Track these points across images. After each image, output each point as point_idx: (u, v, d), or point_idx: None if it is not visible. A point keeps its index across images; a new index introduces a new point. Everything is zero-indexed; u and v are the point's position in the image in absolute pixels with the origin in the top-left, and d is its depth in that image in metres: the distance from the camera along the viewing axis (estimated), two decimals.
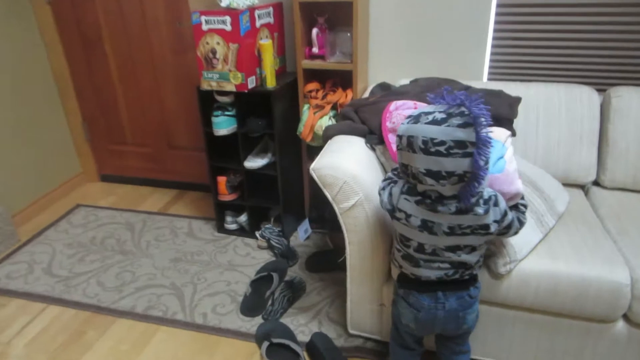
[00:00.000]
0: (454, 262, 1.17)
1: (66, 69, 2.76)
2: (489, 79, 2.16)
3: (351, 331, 1.73)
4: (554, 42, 2.02)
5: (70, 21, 2.63)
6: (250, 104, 2.13)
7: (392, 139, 1.48)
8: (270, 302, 1.91)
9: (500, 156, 1.23)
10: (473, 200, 1.07)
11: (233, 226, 2.42)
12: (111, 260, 2.24)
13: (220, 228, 2.43)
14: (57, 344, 1.76)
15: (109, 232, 2.48)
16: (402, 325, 1.32)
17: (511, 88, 1.89)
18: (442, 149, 0.99)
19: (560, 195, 1.61)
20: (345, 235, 1.50)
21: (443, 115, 1.00)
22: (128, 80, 2.70)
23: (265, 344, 1.67)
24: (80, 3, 2.56)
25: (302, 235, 2.36)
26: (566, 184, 1.83)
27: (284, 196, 2.23)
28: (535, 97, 1.86)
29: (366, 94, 2.04)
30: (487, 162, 1.00)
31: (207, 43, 1.86)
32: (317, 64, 2.06)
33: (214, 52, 1.86)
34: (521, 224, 1.21)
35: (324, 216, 2.41)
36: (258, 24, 1.96)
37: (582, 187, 1.91)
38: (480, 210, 1.09)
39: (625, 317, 1.38)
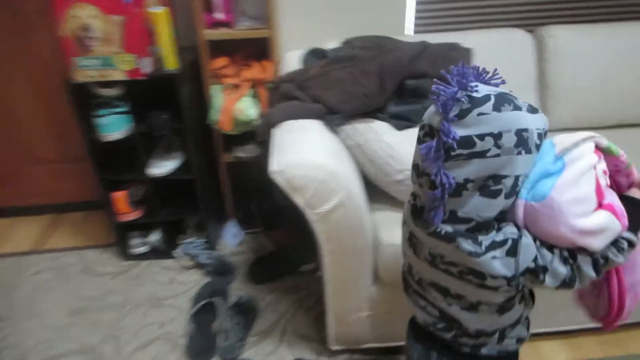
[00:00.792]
0: (444, 311, 0.84)
1: None
2: (415, 32, 1.96)
3: (334, 347, 1.45)
4: None
5: None
6: (145, 94, 1.64)
7: None
8: (223, 336, 1.54)
9: (546, 172, 0.74)
10: (443, 221, 0.74)
11: (142, 249, 1.94)
12: None
13: (126, 254, 1.93)
14: None
15: None
16: None
17: (447, 39, 1.70)
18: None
19: None
20: (323, 244, 1.19)
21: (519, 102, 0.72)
22: None
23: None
24: None
25: (232, 241, 1.99)
26: None
27: (203, 201, 1.82)
28: (474, 46, 1.70)
29: (289, 65, 1.70)
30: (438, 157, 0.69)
31: (76, 17, 1.33)
32: (223, 33, 1.66)
33: (87, 29, 1.34)
34: (580, 279, 0.76)
35: (252, 213, 2.06)
36: None
37: None
38: (464, 244, 0.72)
39: None
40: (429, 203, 0.74)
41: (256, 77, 1.71)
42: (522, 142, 0.69)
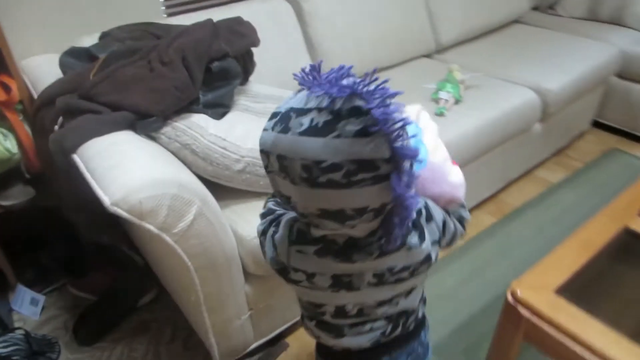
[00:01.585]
0: (392, 315, 0.81)
1: None
2: (169, 15, 1.82)
3: None
4: None
5: None
6: None
7: None
8: None
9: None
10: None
11: None
12: None
13: None
14: None
15: None
16: None
17: (211, 16, 1.63)
18: (337, 176, 0.55)
19: None
20: (188, 265, 1.04)
21: (326, 117, 0.54)
22: None
23: None
24: None
25: (32, 310, 1.57)
26: None
27: None
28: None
29: (38, 76, 1.37)
30: (410, 181, 0.59)
31: None
32: None
33: None
34: (464, 227, 0.84)
35: (44, 268, 1.67)
36: None
37: None
38: (414, 240, 0.71)
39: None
40: (393, 232, 0.64)
41: (0, 99, 1.33)
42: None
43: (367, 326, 0.79)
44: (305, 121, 0.55)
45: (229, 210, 1.20)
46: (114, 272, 1.61)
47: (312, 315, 0.81)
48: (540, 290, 1.05)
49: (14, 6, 1.48)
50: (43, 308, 1.59)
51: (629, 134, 2.50)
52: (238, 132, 1.18)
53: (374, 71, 0.54)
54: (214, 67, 1.18)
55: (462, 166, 0.86)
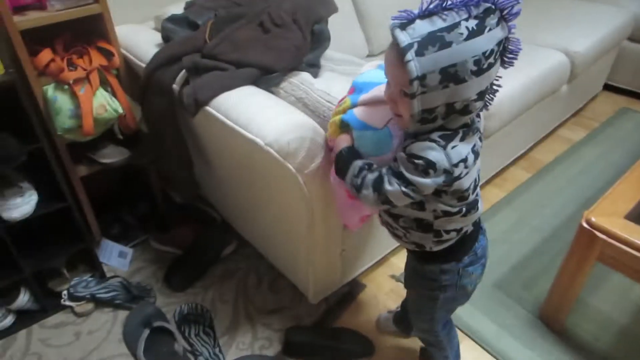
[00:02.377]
0: None
1: None
2: None
3: (314, 301, 1.48)
4: None
5: None
6: None
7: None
8: (192, 357, 1.37)
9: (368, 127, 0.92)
10: None
11: (7, 321, 1.48)
12: None
13: None
14: None
15: None
16: (464, 295, 1.09)
17: None
18: (492, 59, 0.75)
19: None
20: (314, 205, 1.17)
21: (474, 22, 0.72)
22: None
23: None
24: None
25: (121, 262, 1.69)
26: None
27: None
28: None
29: (132, 42, 1.47)
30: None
31: None
32: (40, 17, 1.30)
33: None
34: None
35: (127, 224, 1.78)
36: None
37: None
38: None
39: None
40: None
41: (102, 64, 1.42)
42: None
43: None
44: (463, 30, 0.70)
45: None
46: (196, 227, 1.72)
47: (456, 208, 0.90)
48: (611, 217, 1.22)
49: None
50: (131, 260, 1.70)
51: (638, 94, 2.70)
52: (336, 89, 1.29)
53: None
54: (316, 29, 1.29)
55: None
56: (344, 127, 0.95)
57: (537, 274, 1.62)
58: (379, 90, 0.90)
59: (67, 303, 1.52)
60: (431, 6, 0.71)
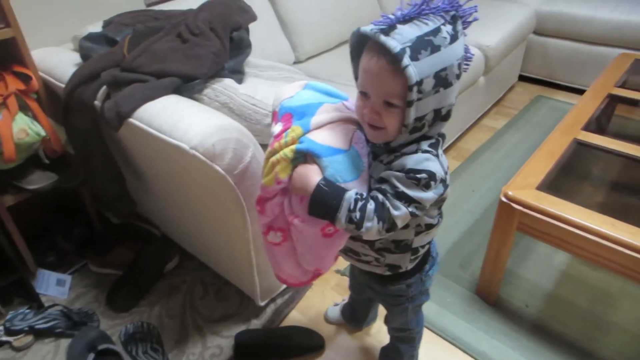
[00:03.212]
0: None
1: None
2: (148, 5, 1.91)
3: (262, 303, 1.50)
4: None
5: None
6: None
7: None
8: None
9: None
10: None
11: None
12: None
13: None
14: None
15: None
16: (426, 295, 1.11)
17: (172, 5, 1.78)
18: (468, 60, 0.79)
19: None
20: (244, 204, 1.20)
21: (451, 27, 0.74)
22: None
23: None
24: None
25: (60, 291, 1.63)
26: None
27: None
28: None
29: (51, 64, 1.45)
30: None
31: None
32: None
33: None
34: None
35: (63, 250, 1.73)
36: None
37: None
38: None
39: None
40: None
41: (19, 88, 1.39)
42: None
43: None
44: (445, 34, 0.72)
45: None
46: (136, 246, 1.70)
47: (437, 218, 0.91)
48: (525, 189, 1.33)
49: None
50: (70, 287, 1.64)
51: (549, 82, 2.93)
52: (261, 92, 1.34)
53: None
54: (234, 36, 1.33)
55: None
56: (297, 159, 0.82)
57: (471, 253, 1.72)
58: (333, 109, 0.85)
59: (4, 338, 1.45)
60: (409, 11, 0.71)
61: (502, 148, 2.35)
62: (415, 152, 0.78)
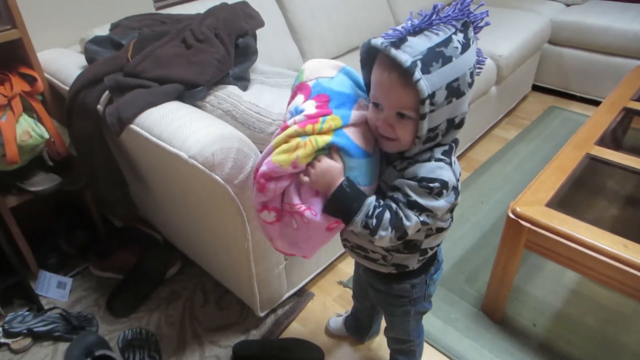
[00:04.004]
0: None
1: None
2: (157, 8, 1.90)
3: (262, 314, 1.47)
4: None
5: None
6: None
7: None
8: None
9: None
10: None
11: None
12: None
13: None
14: None
15: None
16: (429, 301, 1.08)
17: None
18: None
19: None
20: (245, 214, 1.18)
21: (462, 35, 0.72)
22: None
23: None
24: None
25: (61, 293, 1.63)
26: None
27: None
28: None
29: (56, 66, 1.45)
30: None
31: None
32: None
33: None
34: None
35: (65, 253, 1.72)
36: None
37: None
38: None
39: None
40: None
41: (25, 90, 1.38)
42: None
43: None
44: (456, 44, 0.70)
45: None
46: (138, 250, 1.69)
47: (448, 222, 0.90)
48: (534, 206, 1.29)
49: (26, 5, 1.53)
50: (71, 290, 1.64)
51: (563, 92, 2.87)
52: (266, 100, 1.32)
53: (457, 3, 0.74)
54: (240, 43, 1.31)
55: None
56: (323, 150, 0.78)
57: (477, 267, 1.68)
58: (365, 106, 0.81)
59: (2, 340, 1.45)
60: (419, 22, 0.69)
61: (513, 159, 2.31)
62: (429, 160, 0.78)
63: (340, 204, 0.79)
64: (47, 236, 1.71)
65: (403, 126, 0.74)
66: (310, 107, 0.79)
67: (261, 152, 1.15)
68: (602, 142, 1.56)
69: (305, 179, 0.79)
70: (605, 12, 2.63)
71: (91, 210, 1.72)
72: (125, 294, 1.58)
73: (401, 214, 0.77)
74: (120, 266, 1.66)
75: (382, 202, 0.79)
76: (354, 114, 0.80)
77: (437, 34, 0.70)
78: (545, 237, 1.24)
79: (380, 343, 1.43)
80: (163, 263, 1.66)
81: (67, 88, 1.36)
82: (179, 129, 1.07)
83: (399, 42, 0.69)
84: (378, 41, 0.71)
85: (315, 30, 2.10)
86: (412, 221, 0.77)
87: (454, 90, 0.71)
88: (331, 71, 0.84)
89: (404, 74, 0.68)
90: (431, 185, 0.75)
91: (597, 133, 1.60)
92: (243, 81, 1.37)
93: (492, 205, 1.99)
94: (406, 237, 0.80)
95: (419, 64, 0.67)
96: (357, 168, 0.79)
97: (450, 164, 0.78)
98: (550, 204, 1.30)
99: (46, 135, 1.38)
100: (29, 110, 1.40)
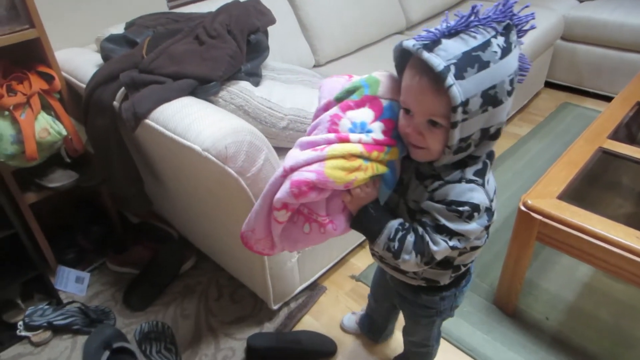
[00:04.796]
0: None
1: None
2: (170, 8, 1.94)
3: (275, 307, 1.49)
4: None
5: None
6: None
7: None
8: None
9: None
10: None
11: None
12: None
13: None
14: None
15: None
16: (453, 311, 1.05)
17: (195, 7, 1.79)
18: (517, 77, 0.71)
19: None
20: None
21: (503, 39, 0.66)
22: None
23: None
24: None
25: (79, 288, 1.66)
26: None
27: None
28: None
29: (73, 65, 1.48)
30: None
31: None
32: None
33: None
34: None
35: (83, 248, 1.76)
36: None
37: None
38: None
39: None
40: None
41: (43, 88, 1.42)
42: None
43: None
44: (495, 48, 0.65)
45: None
46: (154, 245, 1.72)
47: (485, 239, 0.87)
48: (545, 198, 1.29)
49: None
50: (88, 285, 1.67)
51: (576, 89, 2.85)
52: (277, 95, 1.34)
53: (498, 4, 0.68)
54: (252, 39, 1.34)
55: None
56: (373, 177, 0.77)
57: (490, 262, 1.68)
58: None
59: (23, 334, 1.48)
60: (455, 23, 0.65)
61: (525, 156, 2.30)
62: (459, 181, 0.73)
63: (363, 225, 0.79)
64: (64, 232, 1.75)
65: (433, 135, 0.69)
66: (378, 131, 0.75)
67: (274, 146, 1.18)
68: (614, 136, 1.55)
69: (348, 198, 0.78)
70: (618, 8, 2.61)
71: (107, 206, 1.75)
72: (141, 288, 1.61)
73: (427, 238, 0.75)
74: (136, 261, 1.70)
75: (407, 225, 0.77)
76: (402, 149, 0.77)
77: (474, 37, 0.65)
78: (556, 229, 1.23)
79: (392, 336, 1.44)
80: (178, 258, 1.69)
81: (84, 86, 1.39)
82: (193, 123, 1.10)
83: (432, 44, 0.64)
84: (410, 43, 0.67)
85: (327, 28, 2.12)
86: (440, 246, 0.74)
87: (490, 98, 0.66)
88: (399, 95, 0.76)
89: (436, 78, 0.64)
90: (460, 209, 0.71)
91: (609, 127, 1.59)
92: (255, 77, 1.39)
93: (504, 202, 1.99)
94: (434, 261, 0.77)
95: (453, 68, 0.63)
96: (383, 197, 0.81)
97: (483, 184, 0.73)
98: (562, 197, 1.30)
99: (64, 132, 1.41)
100: (47, 108, 1.44)
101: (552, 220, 1.24)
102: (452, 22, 0.65)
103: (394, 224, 0.77)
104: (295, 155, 0.75)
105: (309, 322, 1.51)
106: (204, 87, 1.21)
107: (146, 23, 1.51)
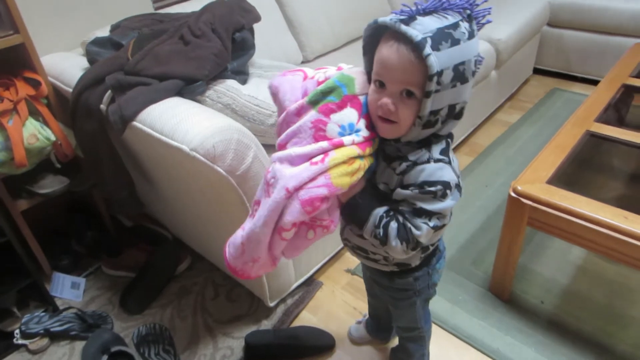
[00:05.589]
0: None
1: None
2: (156, 8, 1.93)
3: (271, 304, 1.50)
4: None
5: None
6: None
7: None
8: None
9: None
10: None
11: None
12: None
13: None
14: None
15: None
16: (433, 290, 1.08)
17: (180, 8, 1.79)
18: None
19: None
20: (249, 206, 1.20)
21: (468, 24, 0.72)
22: None
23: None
24: None
25: (75, 294, 1.66)
26: None
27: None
28: None
29: (61, 68, 1.48)
30: None
31: None
32: None
33: None
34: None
35: (77, 253, 1.76)
36: None
37: None
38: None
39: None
40: None
41: (29, 94, 1.42)
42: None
43: None
44: (463, 30, 0.70)
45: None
46: (148, 248, 1.72)
47: (450, 217, 0.85)
48: (535, 184, 1.30)
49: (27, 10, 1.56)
50: (84, 290, 1.67)
51: (565, 74, 2.87)
52: (264, 93, 1.34)
53: None
54: (237, 37, 1.34)
55: None
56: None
57: (483, 249, 1.69)
58: None
59: (20, 342, 1.48)
60: (429, 4, 0.70)
61: (516, 143, 2.31)
62: (428, 161, 0.76)
63: (351, 214, 0.83)
64: (58, 238, 1.74)
65: (406, 106, 0.72)
66: (363, 128, 0.77)
67: (263, 144, 1.18)
68: (601, 118, 1.57)
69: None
70: None
71: (100, 210, 1.75)
72: (137, 291, 1.61)
73: (409, 224, 0.77)
74: (131, 264, 1.70)
75: (391, 213, 0.80)
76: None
77: (446, 18, 0.70)
78: (546, 213, 1.24)
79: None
80: (173, 259, 1.69)
81: (71, 90, 1.39)
82: (180, 123, 1.10)
83: (408, 19, 0.69)
84: (387, 18, 0.71)
85: (313, 24, 2.12)
86: (422, 229, 0.77)
87: (460, 74, 0.70)
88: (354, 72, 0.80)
89: (414, 49, 0.67)
90: (433, 189, 0.75)
91: (596, 110, 1.61)
92: (242, 75, 1.39)
93: (497, 188, 2.00)
94: (420, 245, 0.80)
95: (429, 40, 0.67)
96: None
97: (449, 162, 0.77)
98: (551, 181, 1.31)
99: (52, 138, 1.41)
100: (34, 113, 1.43)
101: (541, 204, 1.25)
102: (425, 4, 0.70)
103: (379, 211, 0.80)
104: (295, 174, 0.74)
105: (306, 318, 1.51)
106: (190, 87, 1.21)
107: (131, 25, 1.51)
